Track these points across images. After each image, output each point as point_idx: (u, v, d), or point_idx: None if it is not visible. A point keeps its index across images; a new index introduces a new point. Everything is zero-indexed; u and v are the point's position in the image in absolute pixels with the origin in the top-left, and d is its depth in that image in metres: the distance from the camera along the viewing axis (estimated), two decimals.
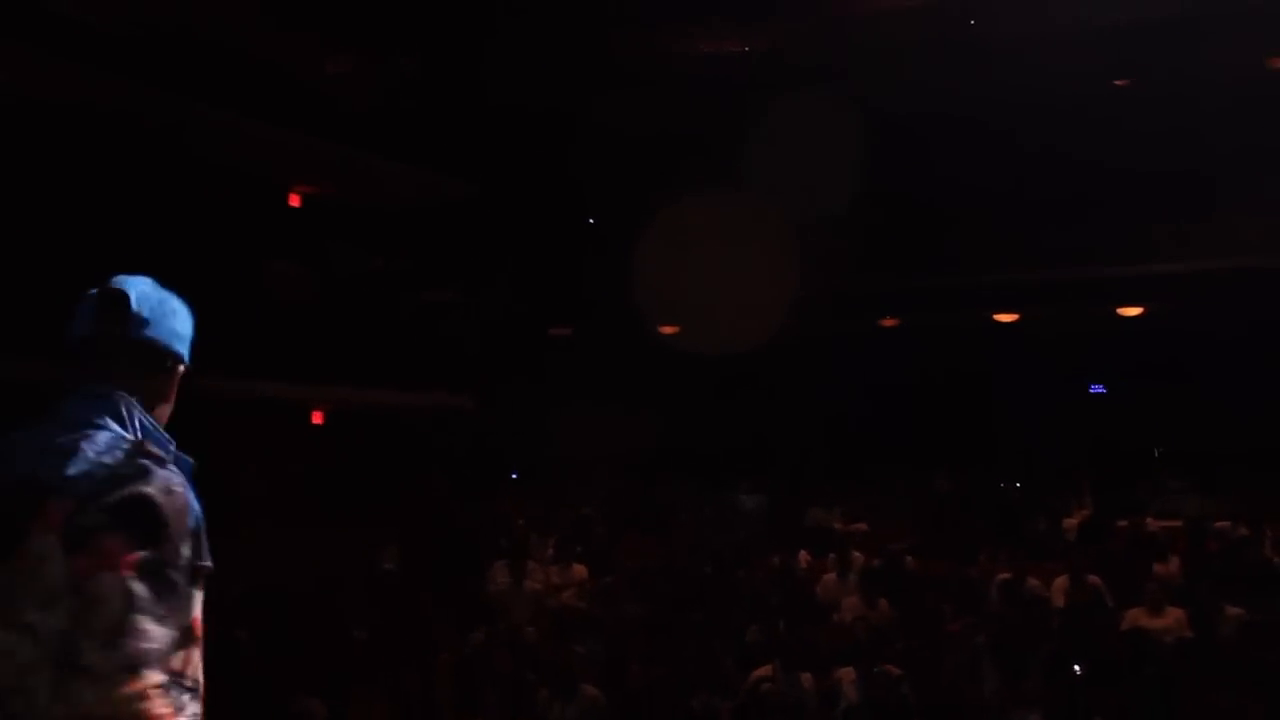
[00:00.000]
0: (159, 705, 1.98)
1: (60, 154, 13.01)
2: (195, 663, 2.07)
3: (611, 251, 20.46)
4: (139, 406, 2.25)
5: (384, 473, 17.20)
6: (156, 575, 2.02)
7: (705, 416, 20.29)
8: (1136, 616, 8.44)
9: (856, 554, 12.23)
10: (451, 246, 19.28)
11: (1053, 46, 16.60)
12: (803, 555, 12.71)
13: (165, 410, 2.36)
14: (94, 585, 1.96)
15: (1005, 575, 10.30)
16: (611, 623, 10.09)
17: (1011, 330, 20.33)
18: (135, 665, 1.96)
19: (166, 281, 2.41)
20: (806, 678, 7.79)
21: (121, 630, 1.96)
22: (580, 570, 12.08)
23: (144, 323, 2.29)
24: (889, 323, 21.18)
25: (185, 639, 2.05)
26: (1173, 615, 8.46)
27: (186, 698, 2.04)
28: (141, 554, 2.01)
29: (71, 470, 2.05)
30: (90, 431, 2.14)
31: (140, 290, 2.31)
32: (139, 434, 2.21)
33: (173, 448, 2.24)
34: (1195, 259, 17.91)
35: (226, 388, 14.04)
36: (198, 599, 2.09)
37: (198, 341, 2.47)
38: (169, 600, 2.02)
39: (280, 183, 16.94)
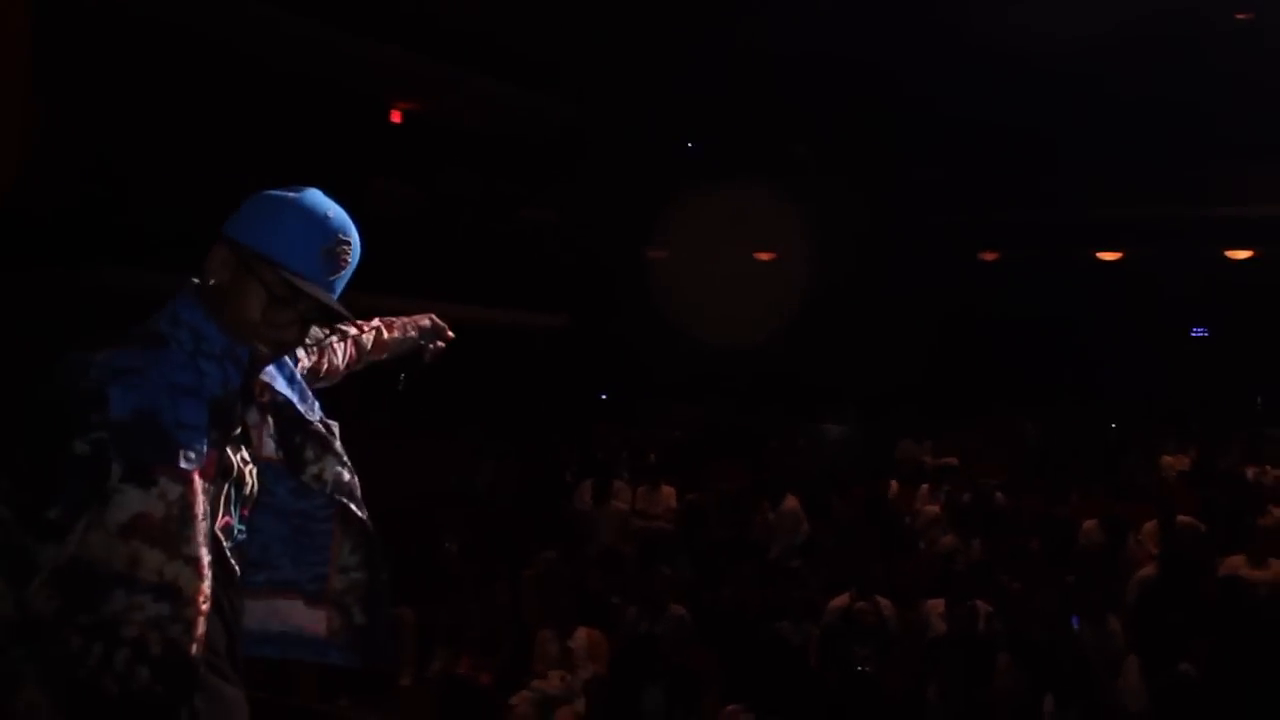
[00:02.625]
0: None
1: (164, 73, 13.15)
2: (148, 563, 2.06)
3: (709, 176, 20.34)
4: (195, 301, 2.20)
5: (477, 389, 17.38)
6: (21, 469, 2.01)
7: (798, 345, 20.18)
8: (1236, 565, 8.28)
9: (949, 489, 12.19)
10: (550, 167, 19.28)
11: None
12: (892, 484, 12.65)
13: (232, 312, 2.22)
14: None
15: (1098, 516, 10.16)
16: (699, 544, 10.14)
17: (1114, 269, 19.93)
18: None
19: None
20: (887, 605, 7.81)
21: None
22: (669, 491, 12.13)
23: (233, 218, 2.24)
24: (989, 256, 20.86)
25: (122, 533, 2.04)
26: (1276, 568, 8.27)
27: (144, 598, 2.05)
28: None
29: None
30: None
31: (265, 192, 2.25)
32: (171, 326, 2.17)
33: (210, 346, 2.18)
34: None
35: None
36: (141, 494, 2.05)
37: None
38: (31, 494, 1.98)
39: (381, 100, 17.03)
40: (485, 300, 16.87)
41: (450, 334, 3.11)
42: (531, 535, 10.77)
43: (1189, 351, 20.53)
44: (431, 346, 3.06)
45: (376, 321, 2.89)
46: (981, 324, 19.96)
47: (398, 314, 3.00)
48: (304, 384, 2.42)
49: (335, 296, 2.31)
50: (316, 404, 2.37)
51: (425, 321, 3.06)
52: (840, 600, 7.90)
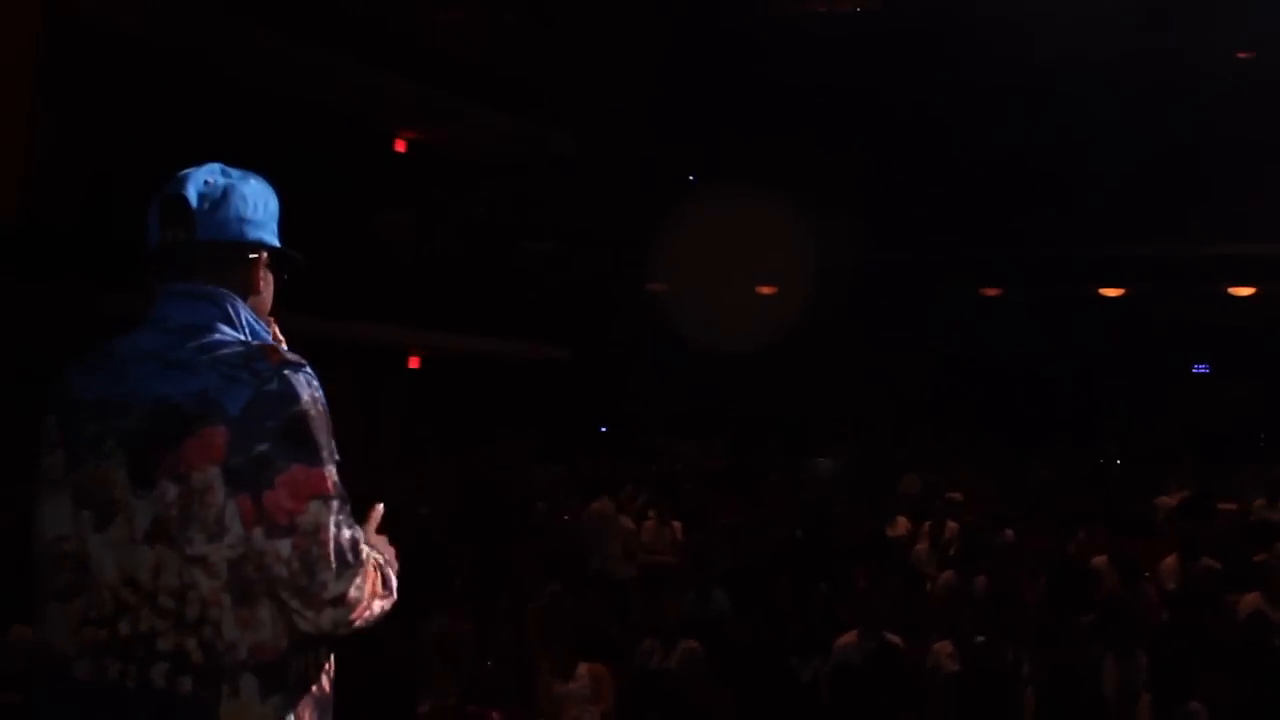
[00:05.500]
0: (371, 604, 2.07)
1: (169, 98, 13.11)
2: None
3: (709, 209, 20.33)
4: (242, 302, 2.19)
5: (477, 419, 17.29)
6: (339, 486, 2.05)
7: (797, 379, 20.13)
8: (1255, 602, 8.18)
9: (951, 524, 12.09)
10: (552, 199, 19.24)
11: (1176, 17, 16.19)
12: (901, 521, 12.55)
13: (259, 302, 2.26)
14: (283, 517, 1.97)
15: (1107, 554, 10.04)
16: (705, 578, 10.02)
17: (1117, 305, 19.94)
18: (347, 585, 2.02)
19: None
20: (897, 642, 7.70)
21: (327, 556, 1.99)
22: (677, 527, 12.05)
23: (209, 221, 2.17)
24: (991, 292, 20.87)
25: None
26: None
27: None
28: (327, 471, 2.03)
29: (211, 391, 1.98)
30: (205, 339, 2.08)
31: (202, 185, 2.19)
32: (248, 334, 2.15)
33: (270, 338, 2.23)
34: None
35: (324, 329, 14.17)
36: None
37: (297, 280, 2.40)
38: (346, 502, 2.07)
39: (386, 129, 17.00)
40: (486, 331, 16.80)
41: None
42: (537, 566, 10.64)
43: (1191, 388, 20.52)
44: None
45: None
46: (983, 359, 19.92)
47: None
48: None
49: None
50: None
51: None
52: (849, 637, 7.78)
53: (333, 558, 1.99)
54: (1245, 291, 18.94)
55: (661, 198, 20.52)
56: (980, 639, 7.06)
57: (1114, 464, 17.63)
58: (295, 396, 2.02)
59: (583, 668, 7.33)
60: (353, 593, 2.01)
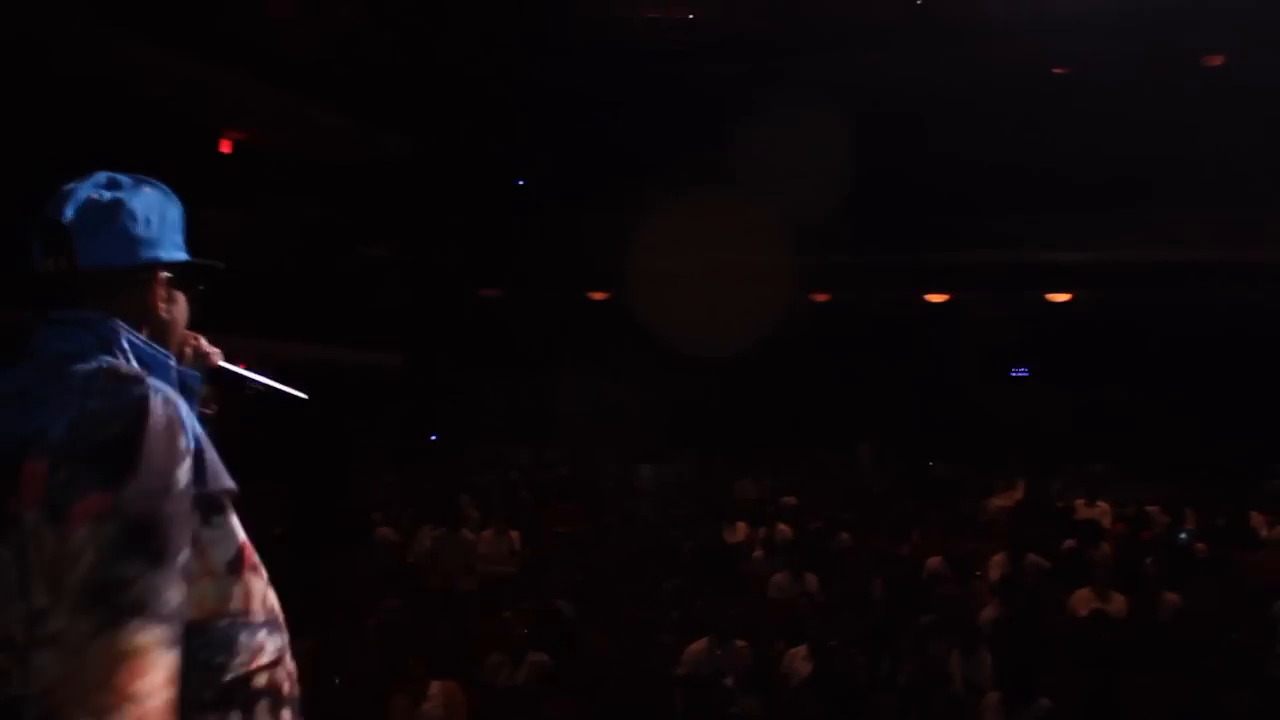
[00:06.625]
0: (148, 664, 1.65)
1: None
2: (257, 594, 1.88)
3: (543, 215, 20.23)
4: (124, 326, 1.92)
5: (304, 431, 16.83)
6: (137, 513, 1.69)
7: (631, 386, 20.11)
8: (1087, 599, 8.45)
9: (782, 527, 12.22)
10: (387, 203, 18.86)
11: (993, 32, 16.69)
12: (740, 527, 12.62)
13: (166, 325, 2.00)
14: (68, 546, 1.66)
15: (941, 555, 10.27)
16: (547, 590, 9.93)
17: (941, 310, 20.44)
18: (113, 621, 1.64)
19: None
20: (743, 648, 7.72)
21: (97, 586, 1.65)
22: (515, 536, 11.92)
23: (91, 246, 1.92)
24: (820, 298, 21.16)
25: (232, 570, 1.86)
26: (1117, 600, 8.51)
27: (263, 634, 1.87)
28: (114, 495, 1.68)
29: (45, 421, 1.74)
30: (67, 367, 1.83)
31: (83, 204, 1.93)
32: (126, 357, 1.89)
33: (172, 363, 1.96)
34: (1127, 248, 18.21)
35: None
36: (229, 525, 1.88)
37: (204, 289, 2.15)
38: (165, 537, 1.70)
39: (212, 128, 16.45)
40: (317, 338, 16.39)
41: None
42: (373, 580, 10.40)
43: (1011, 391, 21.14)
44: None
45: None
46: (811, 364, 20.21)
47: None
48: None
49: None
50: None
51: None
52: (699, 645, 7.77)
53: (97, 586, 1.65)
54: (1062, 298, 19.63)
55: (497, 203, 20.32)
56: (834, 643, 7.11)
57: (941, 466, 18.03)
58: (122, 413, 1.74)
59: (435, 686, 7.14)
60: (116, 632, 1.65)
